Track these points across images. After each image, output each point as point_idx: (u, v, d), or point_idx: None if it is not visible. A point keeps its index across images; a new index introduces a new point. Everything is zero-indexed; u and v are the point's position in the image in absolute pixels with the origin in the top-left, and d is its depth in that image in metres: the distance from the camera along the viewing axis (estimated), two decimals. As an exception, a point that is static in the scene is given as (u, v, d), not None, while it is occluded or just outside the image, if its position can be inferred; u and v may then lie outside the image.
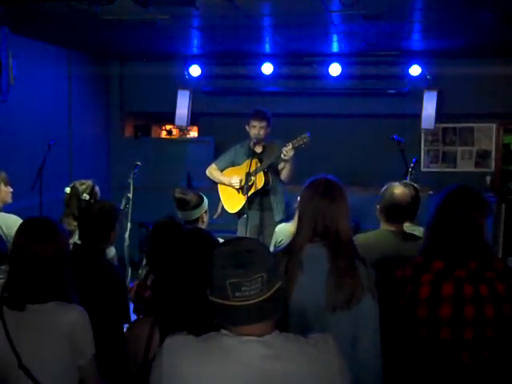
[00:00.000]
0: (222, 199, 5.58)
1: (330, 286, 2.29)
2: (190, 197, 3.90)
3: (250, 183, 5.30)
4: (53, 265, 2.33)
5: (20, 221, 3.97)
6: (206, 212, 3.97)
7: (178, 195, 3.92)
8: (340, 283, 2.28)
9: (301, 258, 2.34)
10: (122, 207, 5.20)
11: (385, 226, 3.33)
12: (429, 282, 2.42)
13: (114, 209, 3.30)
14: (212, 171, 5.64)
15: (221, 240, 2.27)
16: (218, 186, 5.63)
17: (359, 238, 3.44)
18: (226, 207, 5.56)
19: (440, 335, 2.39)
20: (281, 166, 5.32)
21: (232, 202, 5.53)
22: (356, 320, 2.30)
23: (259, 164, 5.34)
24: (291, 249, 2.41)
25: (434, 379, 2.45)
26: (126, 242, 5.47)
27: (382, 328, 2.37)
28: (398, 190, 3.32)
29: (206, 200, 3.98)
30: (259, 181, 5.35)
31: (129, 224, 5.45)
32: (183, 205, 3.89)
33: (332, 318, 2.29)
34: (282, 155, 5.11)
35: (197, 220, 3.87)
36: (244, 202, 5.31)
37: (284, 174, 5.34)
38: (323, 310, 2.29)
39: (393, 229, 3.30)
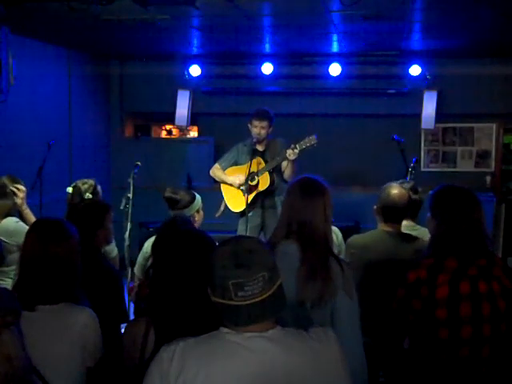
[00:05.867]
0: (225, 198, 5.60)
1: (299, 280, 2.33)
2: (181, 196, 3.85)
3: (253, 183, 5.30)
4: (64, 266, 2.33)
5: (19, 223, 3.96)
6: (198, 210, 3.89)
7: (167, 195, 3.86)
8: (310, 279, 2.32)
9: (275, 254, 2.38)
10: (122, 207, 5.18)
11: (382, 227, 3.33)
12: (446, 282, 2.42)
13: (102, 206, 3.26)
14: (215, 171, 5.67)
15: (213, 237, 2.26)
16: (221, 185, 5.65)
17: (357, 239, 3.45)
18: (230, 206, 5.57)
19: (461, 334, 2.41)
20: (284, 165, 5.32)
21: (235, 201, 5.54)
22: (332, 316, 2.33)
23: (263, 163, 5.32)
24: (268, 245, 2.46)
25: (455, 378, 2.46)
26: (126, 242, 5.45)
27: (381, 329, 2.38)
28: (395, 190, 3.31)
29: (198, 198, 3.91)
30: (263, 182, 5.33)
31: (129, 224, 5.43)
32: (173, 204, 3.84)
33: (305, 313, 2.31)
34: (287, 156, 5.12)
35: None
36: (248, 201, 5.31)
37: (286, 174, 5.33)
38: (295, 305, 2.31)
39: (390, 229, 3.29)
